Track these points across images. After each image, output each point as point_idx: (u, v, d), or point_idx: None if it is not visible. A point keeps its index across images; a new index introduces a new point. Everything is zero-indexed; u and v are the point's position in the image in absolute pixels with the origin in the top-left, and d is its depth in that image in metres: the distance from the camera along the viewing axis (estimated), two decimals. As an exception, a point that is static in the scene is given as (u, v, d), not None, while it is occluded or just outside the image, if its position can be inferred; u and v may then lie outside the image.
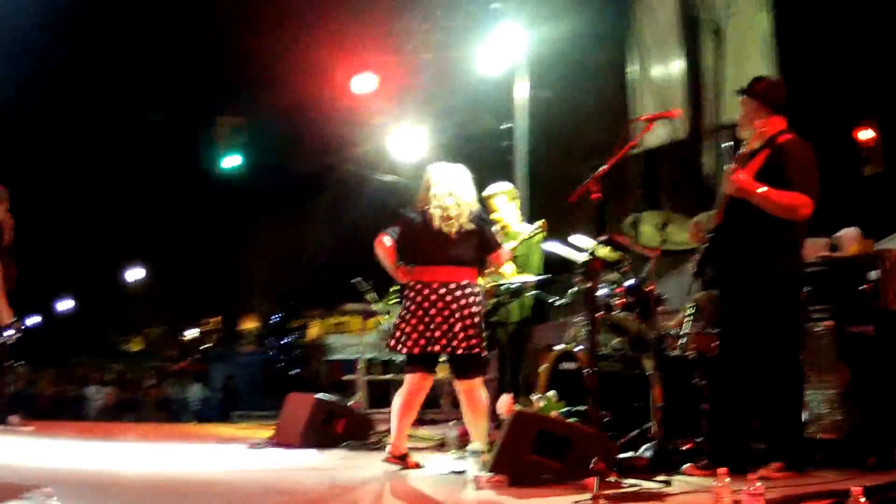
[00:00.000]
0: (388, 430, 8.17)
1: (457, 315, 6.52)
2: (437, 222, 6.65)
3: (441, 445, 8.13)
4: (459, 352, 6.50)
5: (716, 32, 9.85)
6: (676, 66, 10.28)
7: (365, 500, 5.39)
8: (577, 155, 9.58)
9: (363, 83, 13.25)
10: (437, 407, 11.83)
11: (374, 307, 9.46)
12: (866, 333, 6.07)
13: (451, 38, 12.06)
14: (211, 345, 43.89)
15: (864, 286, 6.10)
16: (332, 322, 35.23)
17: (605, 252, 7.70)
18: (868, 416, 6.01)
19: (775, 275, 5.75)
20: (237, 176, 19.04)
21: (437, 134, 13.70)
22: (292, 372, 31.33)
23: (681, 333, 7.09)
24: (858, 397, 6.06)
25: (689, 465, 5.96)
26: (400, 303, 6.99)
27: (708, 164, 9.83)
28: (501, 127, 11.91)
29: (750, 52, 9.40)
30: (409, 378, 6.75)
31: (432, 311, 6.52)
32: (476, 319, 6.60)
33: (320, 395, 8.34)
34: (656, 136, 10.30)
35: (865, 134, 9.29)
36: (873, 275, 6.11)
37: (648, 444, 6.29)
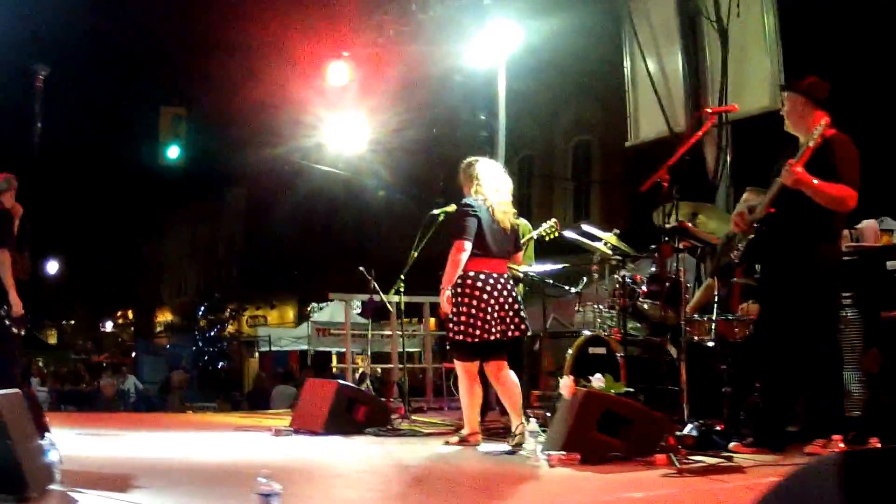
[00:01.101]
0: (403, 416, 8.44)
1: (510, 302, 6.81)
2: (498, 216, 6.90)
3: (457, 430, 8.27)
4: (517, 334, 6.85)
5: (719, 30, 10.17)
6: (676, 61, 10.59)
7: (464, 480, 5.60)
8: (561, 148, 9.80)
9: (337, 74, 13.31)
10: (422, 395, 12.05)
11: (378, 297, 9.52)
12: (897, 317, 6.47)
13: (436, 30, 12.19)
14: (127, 338, 43.26)
15: (897, 273, 6.47)
16: (261, 314, 35.18)
17: (616, 242, 8.01)
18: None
19: (820, 261, 6.08)
20: (159, 167, 18.76)
21: (419, 126, 13.85)
22: (221, 364, 31.20)
23: (702, 319, 7.37)
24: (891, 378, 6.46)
25: (734, 443, 6.21)
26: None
27: (710, 158, 10.17)
28: (482, 117, 12.08)
29: (754, 50, 9.77)
30: (470, 366, 7.05)
31: (501, 300, 6.79)
32: (518, 306, 6.97)
33: (342, 382, 8.44)
34: (654, 127, 10.64)
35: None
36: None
37: (691, 425, 6.52)
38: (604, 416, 6.04)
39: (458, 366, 7.13)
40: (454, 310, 6.84)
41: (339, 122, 15.21)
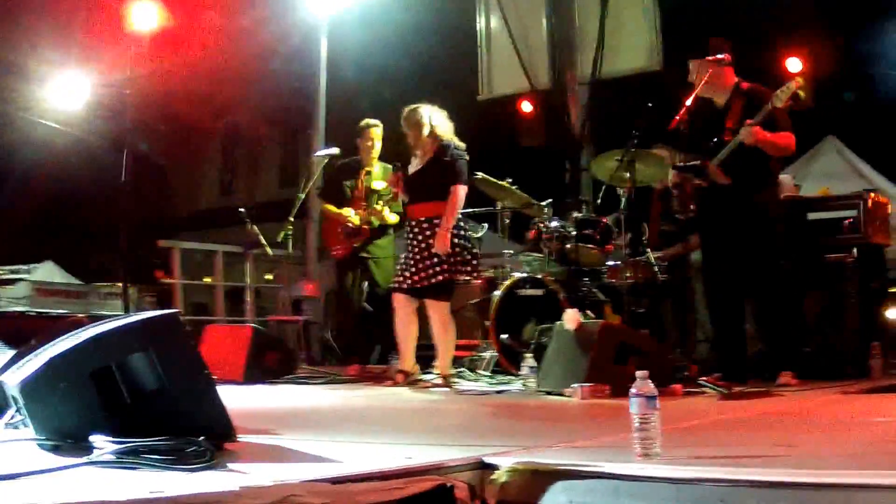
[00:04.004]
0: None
1: None
2: None
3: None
4: None
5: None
6: (539, 20, 10.78)
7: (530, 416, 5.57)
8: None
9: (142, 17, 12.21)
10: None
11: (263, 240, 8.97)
12: (844, 261, 7.10)
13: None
14: None
15: (846, 221, 7.10)
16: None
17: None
18: (843, 332, 7.07)
19: (767, 203, 6.54)
20: None
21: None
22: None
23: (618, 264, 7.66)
24: (835, 317, 7.10)
25: (705, 377, 6.53)
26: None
27: (575, 115, 10.47)
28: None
29: (632, 11, 10.18)
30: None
31: None
32: None
33: (256, 327, 7.93)
34: (511, 82, 10.78)
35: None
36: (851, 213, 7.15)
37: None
38: (622, 349, 6.14)
39: (445, 307, 7.07)
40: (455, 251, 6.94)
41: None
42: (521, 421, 5.18)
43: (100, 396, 3.36)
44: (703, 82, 6.42)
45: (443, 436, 4.22)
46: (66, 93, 15.18)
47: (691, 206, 6.53)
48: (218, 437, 3.38)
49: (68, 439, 3.28)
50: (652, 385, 3.22)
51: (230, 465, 3.06)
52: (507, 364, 7.51)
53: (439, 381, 7.11)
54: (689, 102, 6.45)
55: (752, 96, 6.44)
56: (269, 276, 15.86)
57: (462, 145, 7.12)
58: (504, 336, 7.54)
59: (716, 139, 6.41)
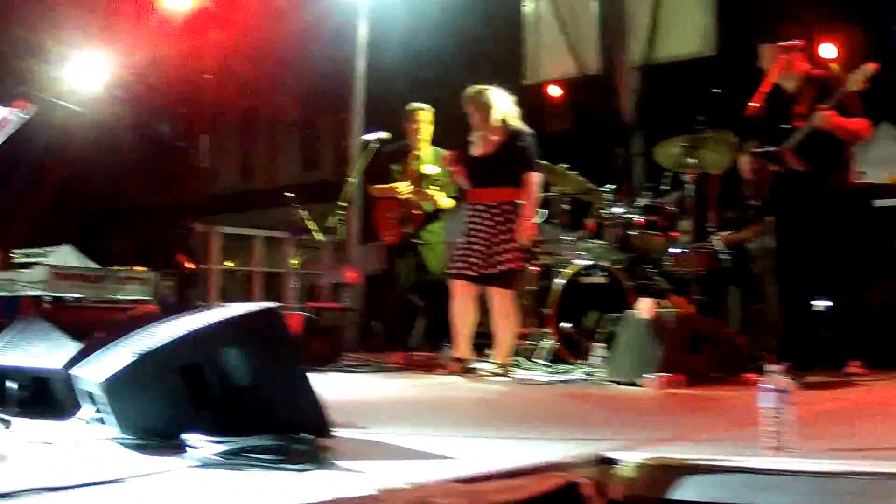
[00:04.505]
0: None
1: None
2: None
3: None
4: None
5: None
6: (587, 4, 10.60)
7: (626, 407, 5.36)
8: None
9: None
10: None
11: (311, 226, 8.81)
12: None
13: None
14: None
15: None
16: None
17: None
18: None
19: (844, 186, 6.45)
20: None
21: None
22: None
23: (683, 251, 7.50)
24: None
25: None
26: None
27: (624, 101, 10.30)
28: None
29: None
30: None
31: None
32: None
33: (307, 314, 7.79)
34: (558, 67, 10.60)
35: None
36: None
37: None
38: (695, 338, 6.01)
39: (512, 296, 6.96)
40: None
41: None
42: (616, 412, 4.99)
43: (189, 392, 3.21)
44: (777, 68, 6.25)
45: (541, 429, 4.04)
46: (86, 74, 15.00)
47: (766, 192, 6.37)
48: (315, 432, 3.21)
49: (156, 437, 3.13)
50: (785, 379, 3.09)
51: (338, 464, 2.90)
52: (567, 353, 7.36)
53: (497, 369, 6.95)
54: (765, 89, 6.28)
55: (823, 82, 6.32)
56: (294, 262, 15.68)
57: (531, 131, 6.99)
58: (565, 324, 7.38)
59: (786, 125, 6.26)
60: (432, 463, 3.03)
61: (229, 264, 12.85)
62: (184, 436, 2.99)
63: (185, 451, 2.93)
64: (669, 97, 9.58)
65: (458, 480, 2.67)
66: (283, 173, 25.20)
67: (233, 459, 2.82)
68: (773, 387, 3.10)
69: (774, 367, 3.16)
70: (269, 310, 3.39)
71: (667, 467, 2.97)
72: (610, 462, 3.04)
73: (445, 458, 3.10)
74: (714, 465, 2.92)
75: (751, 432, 3.53)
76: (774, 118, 6.36)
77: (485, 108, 6.91)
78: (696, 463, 2.94)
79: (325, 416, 3.32)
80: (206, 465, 2.80)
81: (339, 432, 3.35)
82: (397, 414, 4.78)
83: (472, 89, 7.01)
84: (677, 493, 2.92)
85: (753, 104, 6.23)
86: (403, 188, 8.01)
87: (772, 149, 6.29)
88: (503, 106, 6.97)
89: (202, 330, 3.31)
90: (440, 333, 8.03)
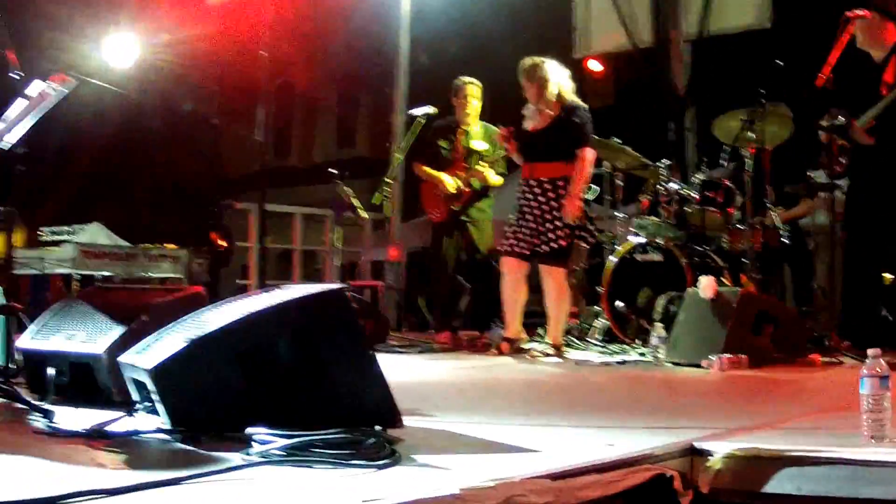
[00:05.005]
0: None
1: None
2: None
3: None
4: None
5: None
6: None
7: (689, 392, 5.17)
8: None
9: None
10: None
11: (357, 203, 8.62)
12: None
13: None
14: None
15: None
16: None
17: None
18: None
19: None
20: None
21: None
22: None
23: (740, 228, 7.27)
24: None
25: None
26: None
27: (677, 73, 10.04)
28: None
29: None
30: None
31: None
32: None
33: (353, 294, 7.63)
34: (609, 41, 10.35)
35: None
36: None
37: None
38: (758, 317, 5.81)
39: (563, 274, 6.75)
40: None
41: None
42: (688, 397, 4.78)
43: (247, 381, 2.99)
44: (843, 40, 6.02)
45: (617, 416, 3.84)
46: (119, 51, 14.88)
47: (836, 168, 6.13)
48: (384, 423, 3.02)
49: (212, 429, 2.92)
50: (885, 364, 2.89)
51: (414, 458, 2.71)
52: (620, 332, 7.17)
53: (550, 350, 6.78)
54: (832, 59, 6.04)
55: None
56: (336, 240, 15.55)
57: (586, 106, 6.79)
58: (619, 303, 7.18)
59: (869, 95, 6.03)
60: (514, 457, 2.83)
61: (265, 243, 12.70)
62: (248, 430, 2.78)
63: (249, 446, 2.71)
64: (723, 71, 9.31)
65: (545, 476, 2.49)
66: (318, 150, 25.09)
67: (301, 455, 2.61)
68: (874, 372, 2.89)
69: (873, 352, 2.94)
70: (335, 291, 3.19)
71: (760, 459, 2.78)
72: (699, 452, 2.86)
73: (527, 450, 2.90)
74: (815, 458, 2.72)
75: (839, 419, 3.37)
76: (858, 88, 6.15)
77: (541, 81, 6.69)
78: (796, 455, 2.75)
79: (395, 406, 3.12)
80: (272, 461, 2.59)
81: (406, 421, 3.15)
82: (459, 399, 4.60)
83: (528, 61, 6.79)
84: (770, 487, 2.74)
85: (823, 75, 5.97)
86: (450, 184, 7.80)
87: (841, 121, 6.04)
88: (559, 79, 6.75)
89: (261, 314, 3.09)
90: (487, 314, 7.87)
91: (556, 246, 6.59)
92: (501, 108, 7.17)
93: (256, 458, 2.62)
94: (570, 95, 6.78)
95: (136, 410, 3.19)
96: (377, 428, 2.82)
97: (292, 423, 2.80)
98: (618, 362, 6.28)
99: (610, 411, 4.08)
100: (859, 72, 6.16)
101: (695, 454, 2.86)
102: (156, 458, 2.78)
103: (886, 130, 6.03)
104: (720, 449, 2.83)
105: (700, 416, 3.76)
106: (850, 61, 6.16)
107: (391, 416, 3.11)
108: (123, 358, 3.32)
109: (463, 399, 4.60)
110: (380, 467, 2.56)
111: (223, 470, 2.48)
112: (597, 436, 3.15)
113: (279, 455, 2.62)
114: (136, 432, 3.03)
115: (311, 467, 2.55)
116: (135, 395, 3.24)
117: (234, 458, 2.63)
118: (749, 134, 6.97)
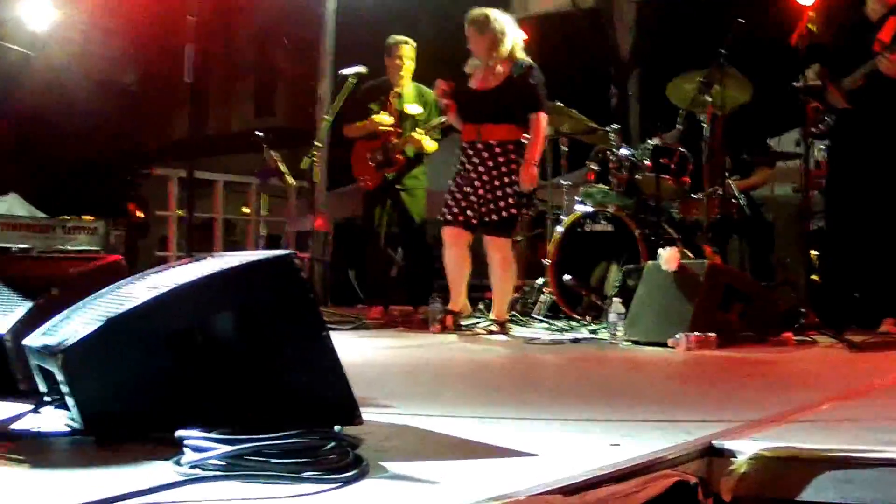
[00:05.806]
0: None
1: None
2: None
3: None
4: None
5: None
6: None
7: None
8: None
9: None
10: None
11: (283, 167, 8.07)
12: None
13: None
14: None
15: None
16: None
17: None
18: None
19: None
20: None
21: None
22: None
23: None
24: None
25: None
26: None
27: (621, 36, 9.60)
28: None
29: None
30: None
31: None
32: None
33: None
34: (549, 1, 9.90)
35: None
36: None
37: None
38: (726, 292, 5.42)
39: (508, 245, 6.37)
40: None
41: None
42: (677, 382, 4.37)
43: (179, 370, 2.46)
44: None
45: (609, 405, 3.34)
46: (32, 14, 14.13)
47: (813, 130, 5.77)
48: (342, 418, 2.50)
49: (133, 429, 2.39)
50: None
51: (386, 467, 2.17)
52: (567, 307, 6.75)
53: (494, 327, 6.33)
54: (804, 20, 5.72)
55: None
56: (246, 210, 15.01)
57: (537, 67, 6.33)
58: (567, 277, 6.74)
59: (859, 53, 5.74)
60: (507, 463, 2.30)
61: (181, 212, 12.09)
62: (180, 432, 2.23)
63: (181, 454, 2.14)
64: (672, 32, 8.91)
65: (556, 491, 2.00)
66: (237, 119, 24.48)
67: (246, 468, 2.05)
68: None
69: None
70: (282, 258, 2.65)
71: (795, 460, 2.35)
72: (719, 453, 2.42)
73: (521, 454, 2.38)
74: (861, 457, 2.29)
75: (865, 407, 2.98)
76: (848, 46, 5.86)
77: (494, 34, 6.19)
78: (837, 454, 2.32)
79: (353, 398, 2.59)
80: (209, 477, 2.02)
81: (363, 414, 2.62)
82: (414, 385, 4.06)
83: (478, 12, 6.28)
84: (807, 494, 2.30)
85: (796, 34, 5.60)
86: (384, 120, 7.30)
87: (816, 83, 5.68)
88: (515, 35, 6.24)
89: (195, 285, 2.55)
90: (422, 288, 7.42)
91: (505, 215, 6.15)
92: (438, 71, 6.66)
93: (189, 471, 2.06)
94: (522, 53, 6.28)
95: (42, 405, 2.62)
96: (336, 428, 2.30)
97: (233, 420, 2.28)
98: (571, 340, 5.84)
99: (593, 399, 3.58)
100: (846, 30, 5.81)
101: (714, 455, 2.42)
102: (59, 470, 2.21)
103: (875, 91, 5.72)
104: (745, 448, 2.38)
105: (703, 405, 3.28)
106: (835, 18, 5.84)
107: (350, 410, 2.58)
108: (28, 340, 2.74)
109: (418, 385, 4.08)
110: (345, 482, 2.02)
111: (144, 491, 1.87)
112: (593, 432, 2.68)
113: (218, 466, 2.07)
114: (40, 433, 2.48)
115: (258, 483, 2.00)
116: (42, 386, 2.67)
117: (161, 469, 2.08)
118: (706, 97, 6.59)
